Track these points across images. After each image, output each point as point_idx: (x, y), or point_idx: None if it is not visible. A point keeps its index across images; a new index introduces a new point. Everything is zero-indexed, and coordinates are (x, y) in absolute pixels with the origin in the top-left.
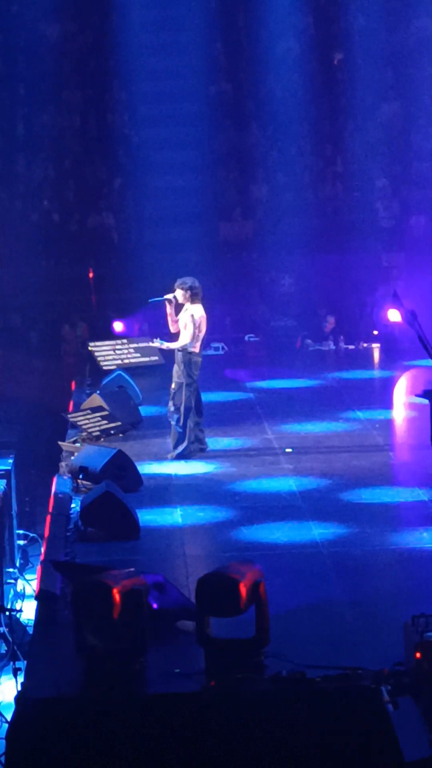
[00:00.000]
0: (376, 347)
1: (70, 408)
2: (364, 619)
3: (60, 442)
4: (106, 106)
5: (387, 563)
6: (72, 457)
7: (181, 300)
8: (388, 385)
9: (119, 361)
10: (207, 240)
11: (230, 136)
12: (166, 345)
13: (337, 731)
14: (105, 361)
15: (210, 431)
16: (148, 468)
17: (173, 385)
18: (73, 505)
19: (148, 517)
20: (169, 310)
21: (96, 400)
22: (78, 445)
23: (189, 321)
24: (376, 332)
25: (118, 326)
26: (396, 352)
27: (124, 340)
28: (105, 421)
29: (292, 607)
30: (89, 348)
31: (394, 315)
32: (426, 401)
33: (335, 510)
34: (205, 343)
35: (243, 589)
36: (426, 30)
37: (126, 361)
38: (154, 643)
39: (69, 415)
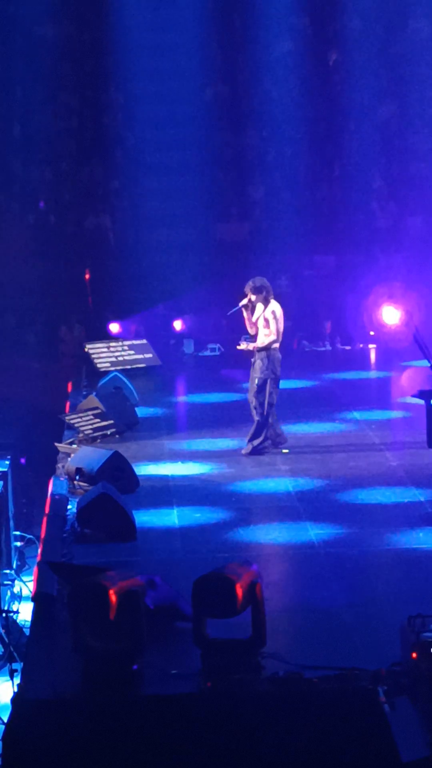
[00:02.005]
0: (372, 348)
1: (67, 409)
2: (361, 619)
3: (57, 444)
4: (103, 107)
5: (383, 564)
6: (69, 459)
7: (256, 301)
8: (384, 386)
9: (116, 362)
10: (204, 241)
11: (227, 138)
12: (253, 345)
13: (334, 732)
14: (101, 362)
15: (206, 432)
16: (144, 469)
17: (256, 381)
18: (69, 507)
19: (144, 518)
20: (246, 314)
21: (92, 401)
22: (75, 446)
23: (272, 318)
24: (372, 333)
25: (114, 327)
26: (392, 353)
27: (124, 344)
28: (101, 422)
29: (288, 608)
30: (85, 349)
31: (389, 316)
32: (422, 402)
33: (332, 511)
34: (203, 344)
35: (239, 590)
36: (422, 31)
37: (122, 361)
38: (151, 644)
39: (65, 417)
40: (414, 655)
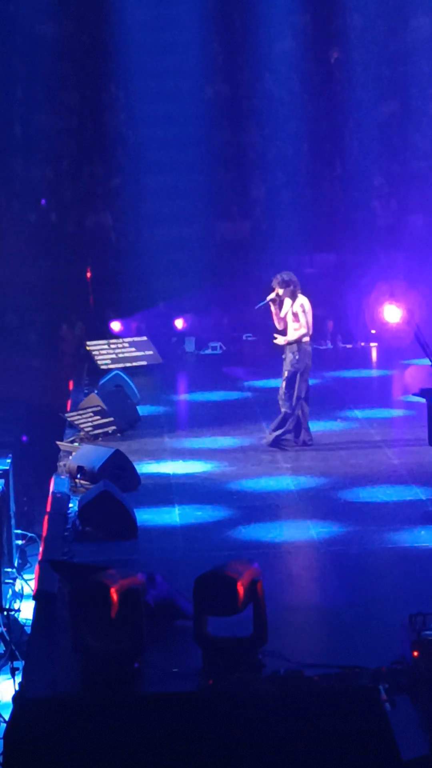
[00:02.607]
0: (373, 346)
1: (68, 408)
2: (362, 617)
3: (58, 442)
4: (104, 106)
5: (385, 562)
6: (70, 457)
7: (284, 295)
8: (385, 384)
9: (117, 360)
10: (205, 239)
11: (227, 136)
12: (285, 340)
13: (334, 730)
14: (102, 360)
15: (208, 430)
16: (146, 467)
17: (286, 374)
18: (71, 505)
19: (145, 516)
20: (274, 309)
21: (94, 399)
22: (76, 444)
23: (301, 312)
24: (373, 331)
25: (115, 326)
26: (393, 351)
27: (124, 342)
28: (101, 420)
29: (289, 606)
30: (87, 347)
31: (391, 314)
32: (423, 400)
33: (333, 509)
34: (204, 343)
35: (241, 588)
36: (423, 29)
37: (123, 358)
38: (152, 643)
39: (67, 415)
40: (415, 653)
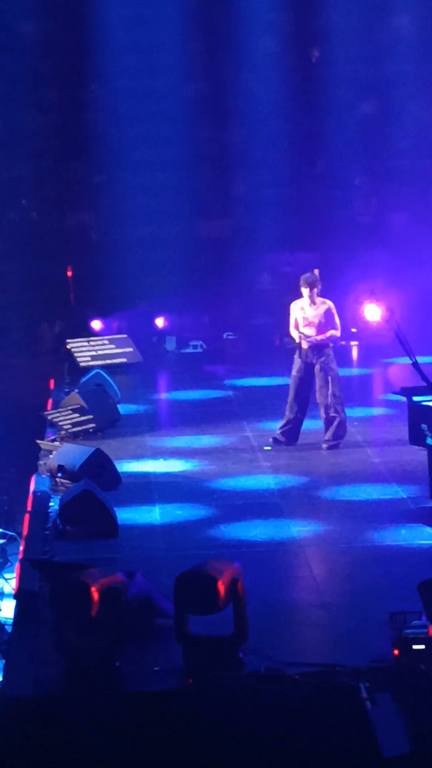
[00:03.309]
0: (354, 345)
1: (49, 406)
2: (343, 616)
3: (38, 441)
4: (85, 104)
5: (366, 560)
6: (50, 456)
7: (312, 298)
8: (366, 383)
9: (96, 357)
10: (186, 238)
11: (209, 134)
12: (319, 338)
13: (315, 728)
14: (83, 358)
15: (189, 429)
16: (126, 466)
17: (330, 376)
18: (51, 504)
19: (126, 515)
20: (300, 316)
21: (74, 398)
22: (57, 443)
23: (335, 312)
24: (354, 330)
25: (96, 324)
26: (374, 350)
27: (104, 339)
28: (80, 417)
29: (270, 605)
30: (67, 346)
31: (371, 313)
32: (404, 399)
33: (314, 507)
34: (185, 341)
35: (221, 587)
36: (404, 27)
37: (103, 355)
38: (133, 641)
39: (47, 413)
40: (396, 651)
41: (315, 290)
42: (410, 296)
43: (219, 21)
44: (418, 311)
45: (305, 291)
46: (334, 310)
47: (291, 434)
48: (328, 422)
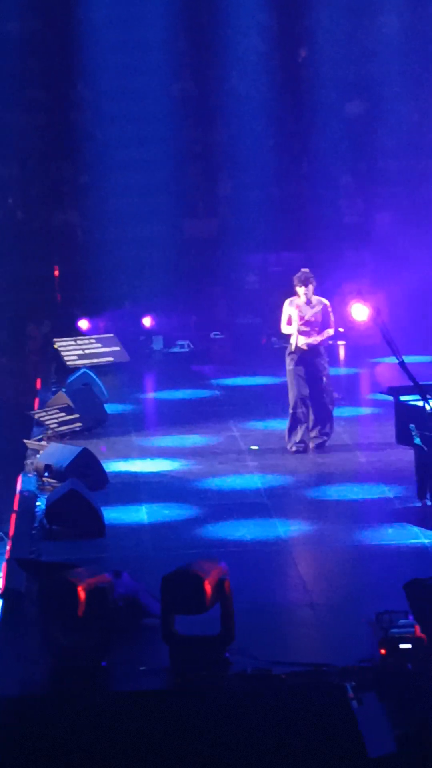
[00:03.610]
0: (341, 344)
1: (36, 406)
2: (330, 615)
3: (25, 440)
4: (71, 103)
5: (352, 560)
6: (37, 455)
7: (308, 296)
8: (353, 382)
9: (83, 356)
10: (172, 237)
11: (194, 134)
12: (314, 341)
13: (301, 728)
14: (70, 357)
15: (176, 429)
16: (113, 466)
17: (325, 373)
18: (38, 504)
19: (113, 514)
20: (295, 313)
21: (61, 397)
22: (43, 443)
23: (330, 310)
24: (341, 329)
25: (83, 324)
26: (361, 349)
27: (91, 338)
28: (66, 416)
29: (257, 604)
30: (54, 345)
31: (358, 312)
32: (391, 398)
33: (300, 507)
34: (172, 341)
35: (208, 587)
36: (391, 27)
37: (90, 354)
38: (120, 641)
39: (34, 413)
40: (382, 651)
41: (310, 288)
42: (397, 296)
43: (205, 21)
44: (404, 311)
45: (301, 290)
46: (329, 308)
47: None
48: (318, 419)
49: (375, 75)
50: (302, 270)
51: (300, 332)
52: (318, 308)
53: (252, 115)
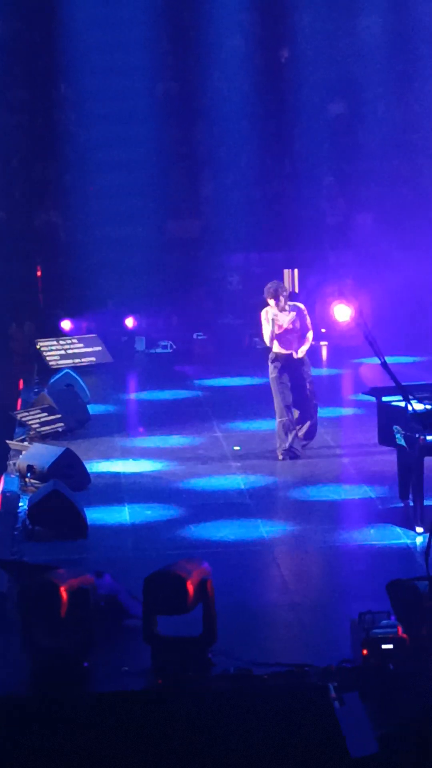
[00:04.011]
0: (323, 345)
1: (18, 406)
2: (311, 616)
3: (8, 441)
4: (53, 104)
5: (334, 560)
6: (20, 456)
7: (280, 306)
8: (335, 383)
9: (66, 356)
10: (154, 238)
11: (177, 134)
12: (304, 351)
13: (283, 728)
14: (52, 358)
15: (158, 429)
16: (96, 466)
17: (308, 381)
18: (20, 504)
19: (96, 515)
20: (272, 327)
21: (44, 398)
22: (26, 443)
23: (306, 314)
24: (323, 330)
25: (66, 325)
26: (343, 350)
27: (73, 339)
28: (48, 416)
29: (239, 605)
30: (37, 346)
31: (340, 313)
32: (373, 399)
33: (283, 508)
34: (155, 342)
35: (190, 587)
36: (372, 28)
37: (72, 355)
38: (102, 642)
39: (17, 414)
40: (364, 651)
41: (281, 299)
42: (379, 296)
43: (188, 21)
44: (386, 311)
45: (271, 302)
46: (305, 312)
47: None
48: (302, 423)
49: (357, 75)
50: (270, 283)
51: (280, 342)
52: (293, 314)
53: (234, 115)
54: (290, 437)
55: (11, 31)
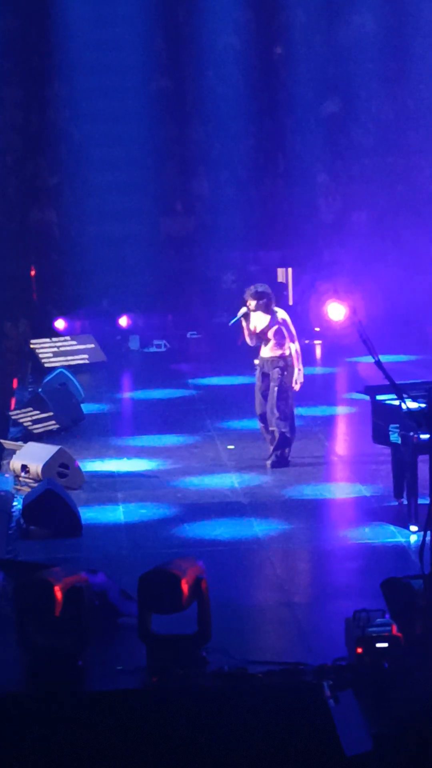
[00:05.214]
0: (318, 343)
1: (12, 406)
2: (306, 614)
3: (1, 440)
4: (47, 102)
5: (328, 559)
6: (14, 455)
7: (256, 308)
8: (329, 382)
9: (60, 356)
10: (149, 236)
11: (171, 132)
12: (301, 374)
13: (278, 726)
14: (46, 358)
15: (152, 428)
16: (90, 465)
17: (275, 391)
18: (15, 503)
19: (90, 514)
20: (245, 323)
21: (38, 398)
22: (20, 443)
23: (291, 326)
24: (317, 328)
25: (60, 324)
26: (337, 349)
27: (67, 338)
28: (41, 414)
29: (233, 603)
30: (30, 345)
31: (335, 312)
32: (367, 397)
33: (277, 506)
34: (149, 341)
35: (185, 586)
36: (366, 26)
37: (66, 353)
38: (97, 640)
39: (11, 413)
40: (359, 649)
41: (261, 303)
42: (373, 295)
43: (181, 19)
44: (381, 310)
45: (252, 303)
46: (288, 322)
47: (274, 463)
48: (271, 436)
49: (351, 73)
50: (259, 284)
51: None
52: (271, 327)
53: (229, 113)
54: (266, 445)
55: (5, 29)
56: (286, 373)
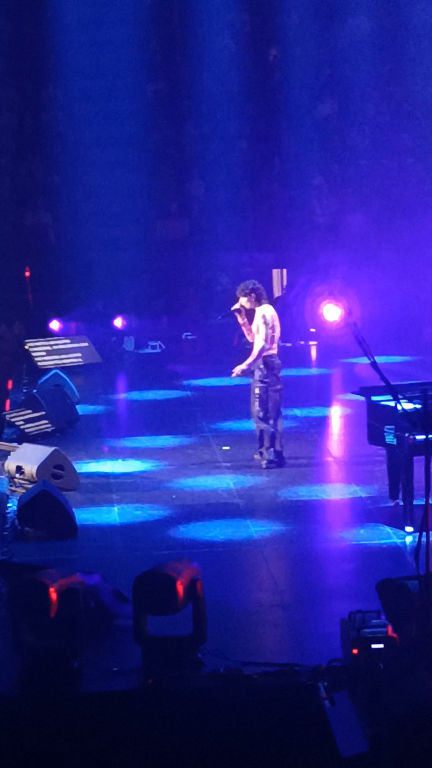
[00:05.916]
0: (313, 345)
1: (7, 407)
2: (302, 615)
3: None
4: (43, 104)
5: (324, 560)
6: (9, 457)
7: (248, 305)
8: (325, 383)
9: (55, 357)
10: (144, 238)
11: (166, 134)
12: (246, 365)
13: (274, 728)
14: (41, 359)
15: (147, 429)
16: (85, 467)
17: (256, 391)
18: (10, 505)
19: (85, 515)
20: (241, 320)
21: (33, 399)
22: (15, 444)
23: (261, 323)
24: (313, 329)
25: (55, 325)
26: (333, 350)
27: (62, 339)
28: (35, 415)
29: (229, 605)
30: (25, 346)
31: (330, 313)
32: (362, 398)
33: (272, 507)
34: (144, 342)
35: (180, 587)
36: (361, 28)
37: (63, 359)
38: (91, 642)
39: (5, 414)
40: (354, 650)
41: (251, 299)
42: (368, 296)
43: (177, 21)
44: (376, 311)
45: (243, 299)
46: (259, 322)
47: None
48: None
49: (346, 75)
50: (250, 281)
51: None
52: (255, 319)
53: (224, 115)
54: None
55: (0, 32)
56: (266, 372)
